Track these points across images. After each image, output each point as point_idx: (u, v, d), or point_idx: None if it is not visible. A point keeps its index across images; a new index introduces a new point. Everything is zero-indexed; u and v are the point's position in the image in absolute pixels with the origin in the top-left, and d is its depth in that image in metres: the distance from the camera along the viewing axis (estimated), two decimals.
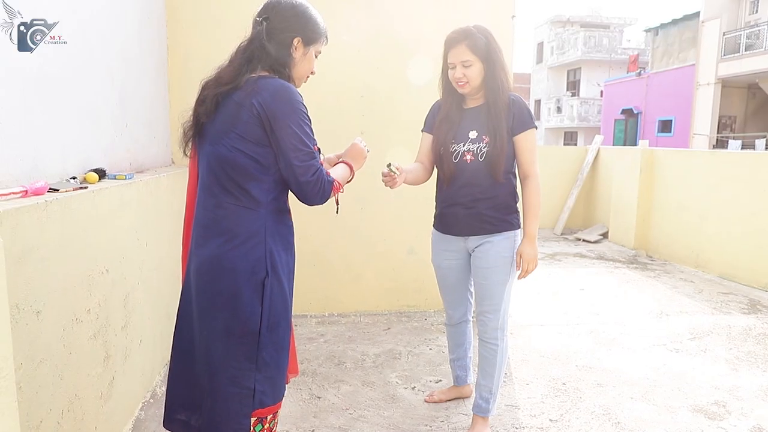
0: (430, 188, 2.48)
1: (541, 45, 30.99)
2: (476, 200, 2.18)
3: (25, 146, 1.73)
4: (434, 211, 2.41)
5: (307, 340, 3.46)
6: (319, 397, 2.69)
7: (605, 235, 7.25)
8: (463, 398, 2.67)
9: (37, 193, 1.64)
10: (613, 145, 21.19)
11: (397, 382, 2.88)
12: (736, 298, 4.59)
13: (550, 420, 2.50)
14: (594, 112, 27.39)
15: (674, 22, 20.63)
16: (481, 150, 2.15)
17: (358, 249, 3.91)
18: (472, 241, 2.25)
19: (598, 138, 7.98)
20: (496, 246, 2.21)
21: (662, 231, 6.21)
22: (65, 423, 1.70)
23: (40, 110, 1.82)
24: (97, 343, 1.97)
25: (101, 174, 2.20)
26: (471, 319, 2.53)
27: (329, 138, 3.77)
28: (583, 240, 7.19)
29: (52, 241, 1.62)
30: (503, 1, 3.81)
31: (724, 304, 4.41)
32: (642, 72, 22.22)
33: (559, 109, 29.15)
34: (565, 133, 29.54)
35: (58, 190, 1.75)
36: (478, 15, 3.73)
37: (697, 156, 5.89)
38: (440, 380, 2.89)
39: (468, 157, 2.17)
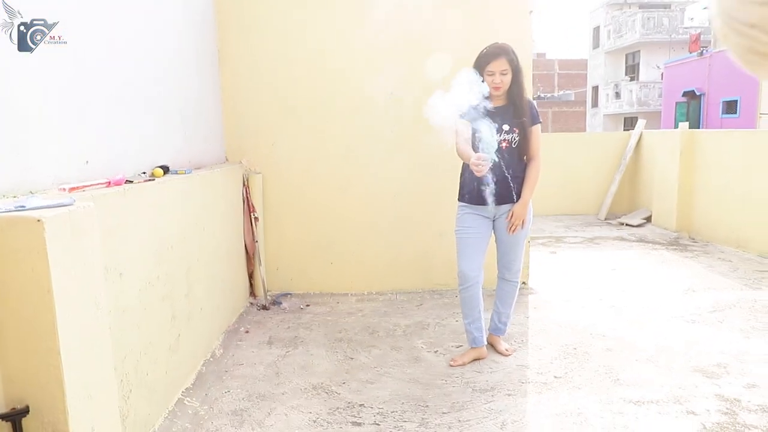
0: (454, 179, 3.00)
1: (597, 29, 30.12)
2: (510, 177, 2.76)
3: (107, 148, 2.22)
4: (462, 189, 2.90)
5: (346, 314, 3.88)
6: (351, 358, 3.09)
7: (649, 219, 7.26)
8: (480, 359, 2.99)
9: (117, 183, 2.12)
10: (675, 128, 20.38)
11: (422, 347, 3.24)
12: None
13: (555, 377, 2.79)
14: (655, 96, 26.39)
15: None
16: (514, 139, 2.77)
17: (394, 233, 4.28)
18: (503, 208, 2.84)
19: (641, 122, 7.96)
20: None
21: (704, 212, 6.21)
22: (142, 362, 2.18)
23: (121, 120, 2.31)
24: (165, 305, 2.45)
25: (165, 170, 2.68)
26: (481, 282, 2.89)
27: (357, 138, 4.17)
28: (627, 224, 7.23)
29: (131, 220, 2.10)
30: None
31: (757, 281, 4.46)
32: (704, 52, 21.25)
33: (617, 95, 28.26)
34: (625, 118, 28.60)
35: (132, 182, 2.23)
36: (498, 11, 4.02)
37: (737, 136, 5.85)
38: (461, 345, 3.23)
39: (504, 144, 2.75)
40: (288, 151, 4.16)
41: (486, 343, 3.03)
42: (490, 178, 2.72)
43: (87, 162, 2.07)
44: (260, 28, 3.99)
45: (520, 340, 3.31)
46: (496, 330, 3.12)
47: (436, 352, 3.17)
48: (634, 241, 6.29)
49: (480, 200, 2.81)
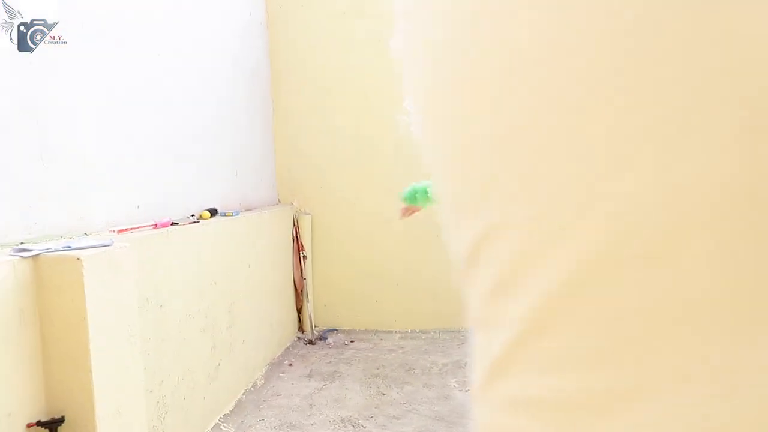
0: None
1: None
2: None
3: (157, 193, 2.53)
4: None
5: (387, 351, 3.98)
6: (383, 394, 3.18)
7: None
8: None
9: (164, 225, 2.41)
10: None
11: (454, 386, 3.27)
12: None
13: None
14: None
15: None
16: None
17: (438, 271, 4.37)
18: None
19: None
20: None
21: None
22: (180, 388, 2.41)
23: (172, 168, 2.63)
24: (206, 336, 2.69)
25: (213, 212, 2.97)
26: None
27: (399, 177, 4.35)
28: None
29: (173, 257, 2.37)
30: None
31: None
32: None
33: None
34: None
35: (177, 224, 2.51)
36: None
37: None
38: None
39: None
40: (335, 193, 4.41)
41: None
42: None
43: (138, 207, 2.37)
44: (309, 82, 4.32)
45: None
46: None
47: (467, 391, 3.19)
48: None
49: None
